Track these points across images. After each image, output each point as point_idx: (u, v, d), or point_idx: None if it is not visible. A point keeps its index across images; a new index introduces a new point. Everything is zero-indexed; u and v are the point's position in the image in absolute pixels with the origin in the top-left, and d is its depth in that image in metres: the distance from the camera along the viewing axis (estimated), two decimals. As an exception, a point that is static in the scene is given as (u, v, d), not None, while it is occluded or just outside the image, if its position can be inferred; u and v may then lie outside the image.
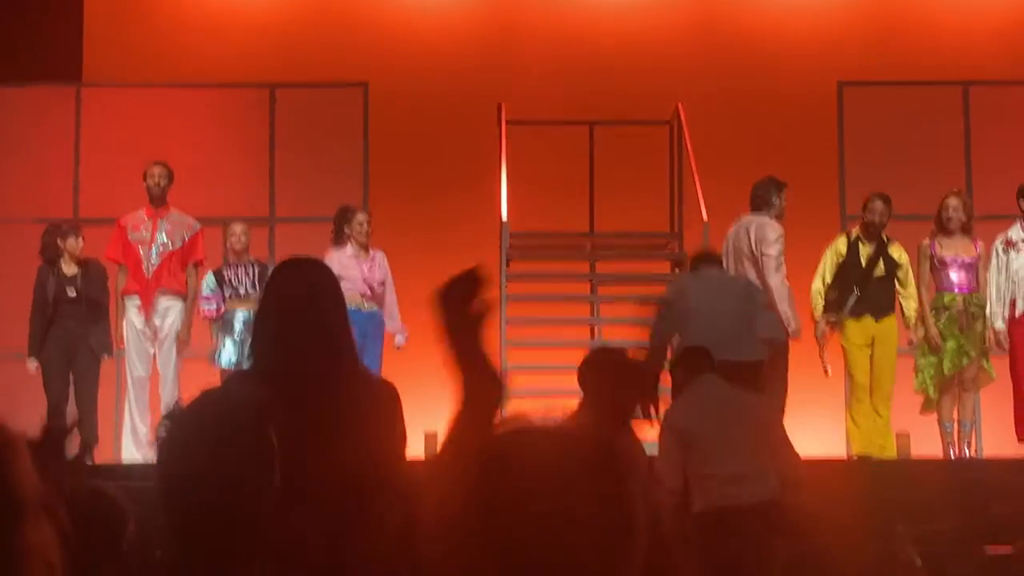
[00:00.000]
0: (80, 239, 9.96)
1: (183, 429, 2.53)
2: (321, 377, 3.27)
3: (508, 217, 11.31)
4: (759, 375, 8.57)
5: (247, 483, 2.46)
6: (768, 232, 9.57)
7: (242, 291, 10.05)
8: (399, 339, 10.52)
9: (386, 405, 3.33)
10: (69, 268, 9.94)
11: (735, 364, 7.92)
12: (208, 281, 10.27)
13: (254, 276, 10.11)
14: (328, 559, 2.83)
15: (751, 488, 6.62)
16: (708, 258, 9.32)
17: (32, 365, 9.88)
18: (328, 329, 3.39)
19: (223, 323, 10.14)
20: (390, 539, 2.86)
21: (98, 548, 3.55)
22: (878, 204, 10.00)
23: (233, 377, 3.51)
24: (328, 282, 3.52)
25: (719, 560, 6.16)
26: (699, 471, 6.65)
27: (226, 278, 10.20)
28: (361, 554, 2.91)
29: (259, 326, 3.60)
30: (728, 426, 6.78)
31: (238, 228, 10.34)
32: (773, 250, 9.50)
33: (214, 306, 10.18)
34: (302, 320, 3.37)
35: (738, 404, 7.10)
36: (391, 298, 10.37)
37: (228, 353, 9.99)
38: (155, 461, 2.55)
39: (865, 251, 9.95)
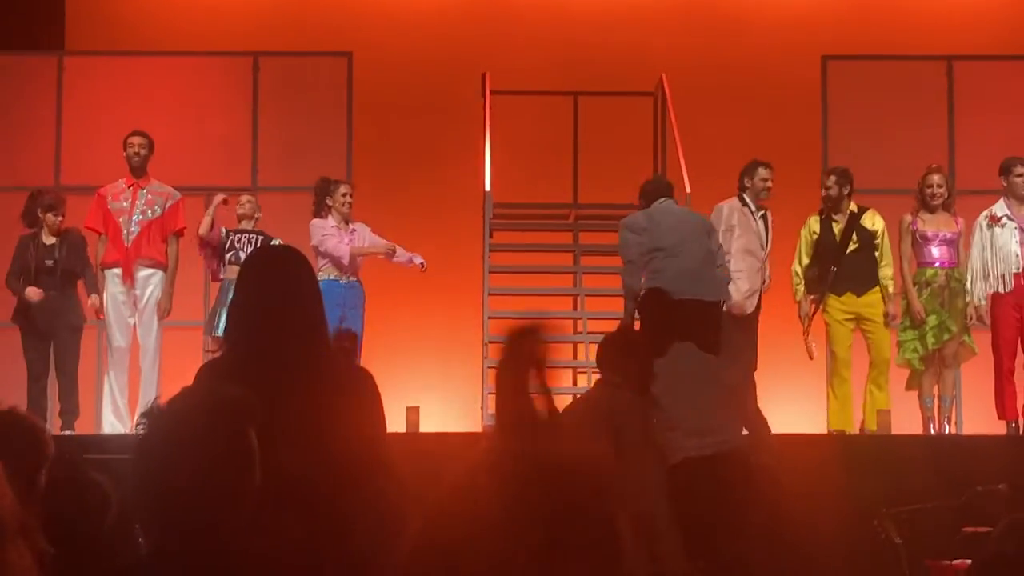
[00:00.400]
0: (60, 216, 9.90)
1: (161, 429, 2.52)
2: (296, 367, 3.25)
3: (491, 187, 11.30)
4: (720, 315, 8.89)
5: (226, 484, 2.46)
6: (718, 212, 9.87)
7: (243, 258, 10.02)
8: (418, 260, 10.55)
9: (363, 393, 3.31)
10: (48, 238, 9.91)
11: (700, 303, 8.47)
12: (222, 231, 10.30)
13: (256, 245, 10.12)
14: (309, 556, 2.83)
15: (713, 439, 6.83)
16: (664, 189, 9.49)
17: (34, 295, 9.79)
18: (304, 319, 3.38)
19: (220, 292, 10.13)
20: (371, 534, 2.85)
21: (81, 535, 3.55)
22: (827, 179, 10.05)
23: (208, 366, 3.46)
24: (304, 272, 3.50)
25: (693, 509, 6.33)
26: (664, 427, 6.81)
27: (231, 239, 10.22)
28: (341, 550, 2.91)
29: (234, 314, 3.58)
30: (689, 384, 7.00)
31: (245, 196, 10.52)
32: (720, 227, 9.63)
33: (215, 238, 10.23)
34: (277, 310, 3.35)
35: (700, 364, 7.31)
36: (382, 240, 10.40)
37: (224, 322, 9.97)
38: (133, 459, 2.54)
39: (837, 226, 9.96)
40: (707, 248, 9.10)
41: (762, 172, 9.96)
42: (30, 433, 3.55)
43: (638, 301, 8.34)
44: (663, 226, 9.04)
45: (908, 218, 10.00)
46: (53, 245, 9.87)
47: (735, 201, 9.95)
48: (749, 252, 9.80)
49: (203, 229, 10.20)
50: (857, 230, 9.91)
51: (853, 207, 9.99)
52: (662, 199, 9.31)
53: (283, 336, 3.30)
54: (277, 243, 10.19)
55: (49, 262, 9.83)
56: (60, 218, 9.90)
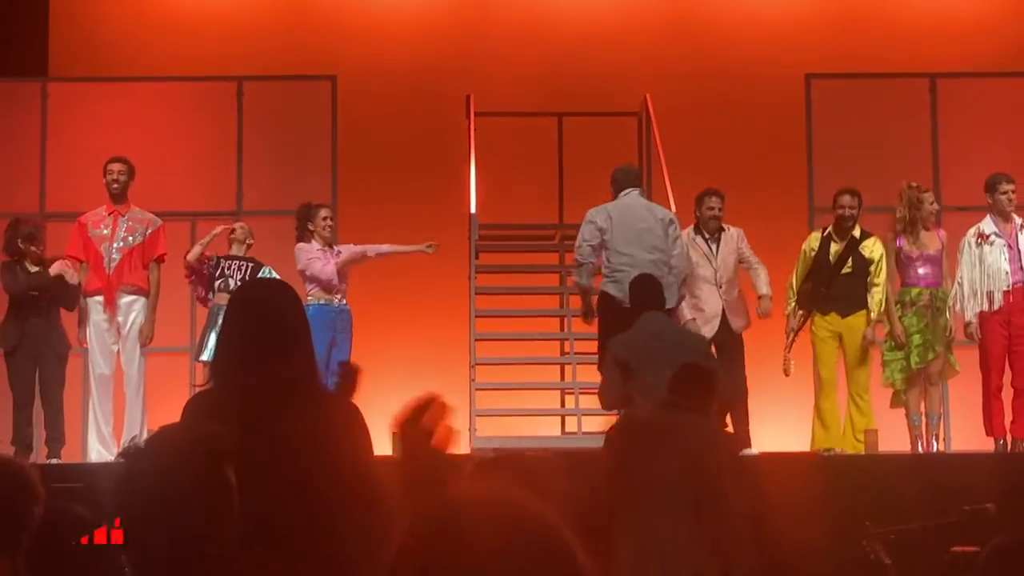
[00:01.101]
0: (40, 247, 9.84)
1: (139, 469, 2.51)
2: (283, 402, 3.24)
3: (477, 209, 11.30)
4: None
5: (204, 521, 2.45)
6: None
7: (232, 285, 10.00)
8: (412, 247, 10.61)
9: (351, 428, 3.30)
10: (32, 266, 9.87)
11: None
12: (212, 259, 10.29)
13: (246, 273, 10.09)
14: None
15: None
16: (633, 179, 9.72)
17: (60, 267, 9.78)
18: (291, 354, 3.37)
19: (210, 317, 10.11)
20: (357, 569, 2.84)
21: (61, 566, 3.54)
22: (845, 198, 10.00)
23: (194, 401, 3.45)
24: (293, 306, 3.49)
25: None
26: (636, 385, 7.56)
27: (223, 266, 10.21)
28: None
29: (221, 347, 3.56)
30: (663, 355, 7.47)
31: (243, 225, 10.52)
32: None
33: (203, 265, 10.19)
34: (265, 345, 3.34)
35: (676, 337, 8.03)
36: (364, 247, 10.38)
37: (212, 348, 9.94)
38: (112, 496, 2.54)
39: (835, 248, 9.94)
40: (660, 251, 9.21)
41: (707, 201, 10.08)
42: (19, 480, 3.53)
43: (592, 300, 9.14)
44: (620, 226, 9.25)
45: (891, 236, 10.01)
46: (38, 272, 9.84)
47: (689, 229, 10.07)
48: (697, 275, 9.90)
49: (192, 256, 10.19)
50: (854, 256, 9.88)
51: (856, 231, 9.97)
52: (627, 190, 9.49)
53: (270, 370, 3.28)
54: (267, 271, 10.18)
55: (35, 292, 9.79)
56: (41, 248, 9.86)
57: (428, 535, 1.53)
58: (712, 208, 10.05)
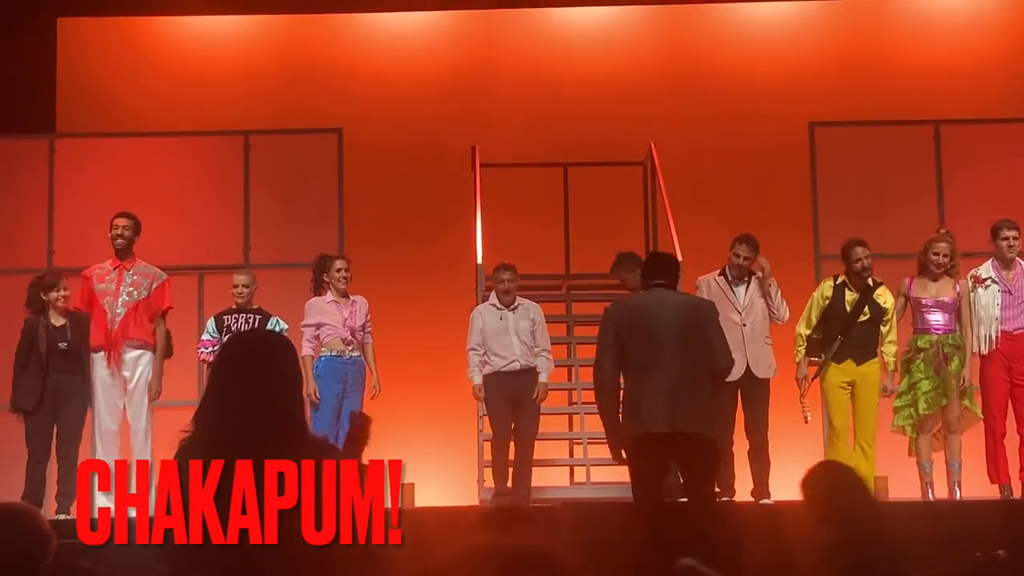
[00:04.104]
0: (62, 290, 9.88)
1: None
2: (264, 445, 3.22)
3: (483, 259, 11.32)
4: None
5: None
6: (698, 287, 10.02)
7: None
8: (375, 372, 10.41)
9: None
10: (57, 320, 9.88)
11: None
12: (209, 326, 10.26)
13: (253, 324, 10.06)
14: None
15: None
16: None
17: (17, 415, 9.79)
18: (280, 404, 3.35)
19: None
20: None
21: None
22: (859, 250, 9.93)
23: (180, 449, 3.44)
24: (282, 355, 3.46)
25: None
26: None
27: (226, 323, 10.17)
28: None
29: (207, 396, 3.53)
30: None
31: (241, 279, 10.32)
32: None
33: (210, 350, 10.10)
34: (253, 395, 3.32)
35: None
36: (370, 352, 10.29)
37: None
38: None
39: (851, 296, 9.91)
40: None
41: (735, 247, 10.04)
42: (32, 529, 3.54)
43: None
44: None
45: (906, 281, 10.01)
46: (64, 326, 9.84)
47: (715, 273, 10.02)
48: (722, 318, 9.82)
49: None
50: (870, 304, 9.87)
51: (869, 280, 9.96)
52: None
53: (253, 416, 3.27)
54: (275, 322, 10.16)
55: (62, 344, 9.79)
56: (65, 292, 9.88)
57: None
58: (739, 255, 10.00)
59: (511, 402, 10.17)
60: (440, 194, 12.94)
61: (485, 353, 10.28)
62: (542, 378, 10.24)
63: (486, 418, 10.48)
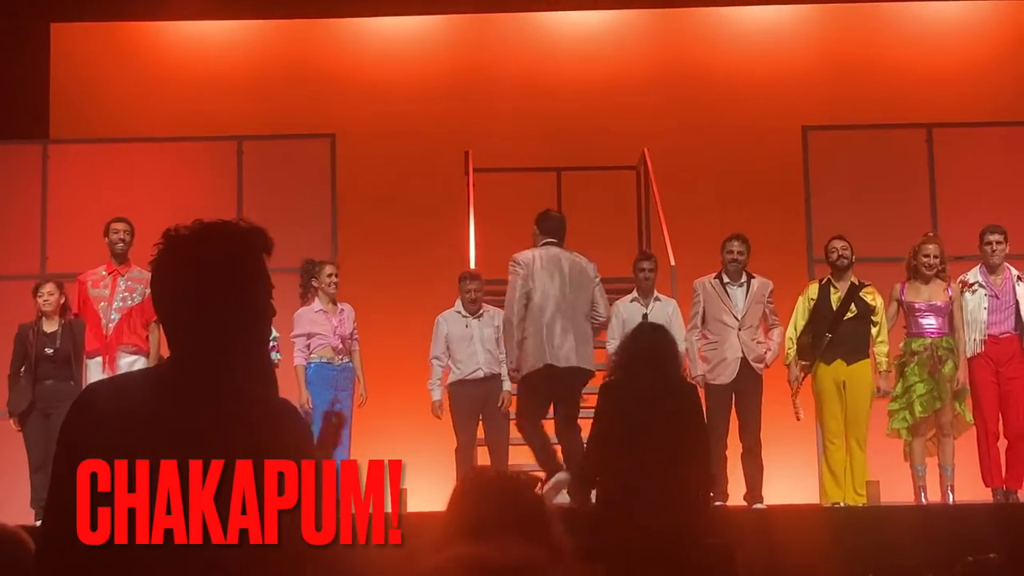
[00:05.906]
0: (45, 295, 9.87)
1: None
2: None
3: (476, 264, 11.31)
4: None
5: None
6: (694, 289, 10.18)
7: None
8: (361, 382, 10.39)
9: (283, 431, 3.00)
10: (50, 325, 9.89)
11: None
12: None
13: None
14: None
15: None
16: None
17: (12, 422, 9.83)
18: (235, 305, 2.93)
19: None
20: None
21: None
22: (837, 243, 10.03)
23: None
24: (245, 251, 2.91)
25: None
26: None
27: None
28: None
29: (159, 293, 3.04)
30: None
31: None
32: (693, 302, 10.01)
33: (278, 355, 10.03)
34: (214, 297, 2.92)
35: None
36: (357, 360, 10.27)
37: None
38: None
39: (836, 295, 9.95)
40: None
41: (728, 245, 10.05)
42: (12, 544, 3.52)
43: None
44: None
45: (898, 286, 10.03)
46: (54, 333, 9.85)
47: (711, 276, 10.03)
48: (717, 320, 9.86)
49: None
50: (856, 301, 9.89)
51: (854, 279, 9.98)
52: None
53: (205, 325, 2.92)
54: None
55: (49, 350, 9.80)
56: (49, 297, 9.86)
57: None
58: (732, 252, 10.02)
59: (477, 410, 10.14)
60: (433, 199, 12.94)
61: (450, 361, 10.26)
62: (506, 386, 10.17)
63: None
